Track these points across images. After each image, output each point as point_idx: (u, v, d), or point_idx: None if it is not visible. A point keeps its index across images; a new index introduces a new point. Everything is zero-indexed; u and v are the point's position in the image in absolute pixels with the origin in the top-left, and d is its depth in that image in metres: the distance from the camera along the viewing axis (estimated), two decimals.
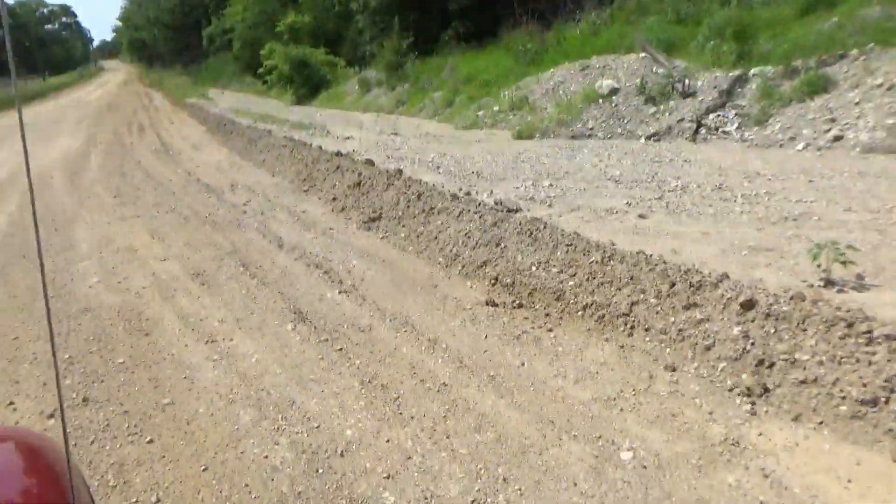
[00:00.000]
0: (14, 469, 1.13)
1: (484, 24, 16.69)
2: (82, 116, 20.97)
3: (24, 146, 1.07)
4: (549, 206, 5.72)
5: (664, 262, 3.80)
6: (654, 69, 9.84)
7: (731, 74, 8.98)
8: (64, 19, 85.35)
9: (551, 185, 6.48)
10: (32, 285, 4.96)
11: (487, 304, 4.14)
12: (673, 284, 3.53)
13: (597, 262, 4.02)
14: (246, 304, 4.37)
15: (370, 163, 7.95)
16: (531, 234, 4.61)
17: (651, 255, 3.93)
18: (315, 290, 4.56)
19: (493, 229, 4.92)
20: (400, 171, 7.23)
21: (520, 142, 9.70)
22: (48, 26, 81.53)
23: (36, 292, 4.77)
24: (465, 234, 5.10)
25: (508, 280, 4.36)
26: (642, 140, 8.80)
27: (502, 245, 4.71)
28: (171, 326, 4.09)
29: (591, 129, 9.48)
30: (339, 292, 4.48)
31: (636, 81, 9.67)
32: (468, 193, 6.21)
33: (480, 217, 5.14)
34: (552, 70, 11.76)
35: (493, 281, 4.45)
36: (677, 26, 12.24)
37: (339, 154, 8.52)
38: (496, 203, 5.79)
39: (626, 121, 9.27)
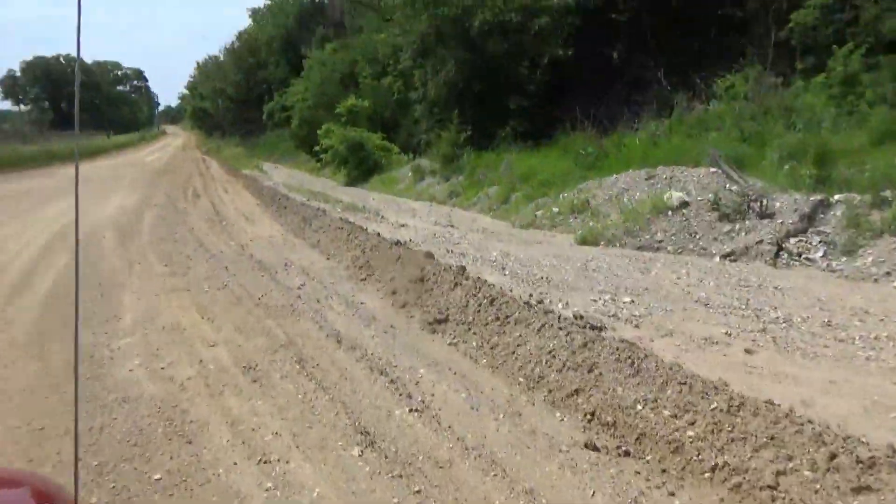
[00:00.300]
0: None
1: (541, 124, 16.59)
2: (140, 176, 21.15)
3: (77, 214, 1.18)
4: (636, 326, 5.10)
5: (810, 423, 3.11)
6: (726, 185, 9.34)
7: (812, 199, 8.42)
8: (135, 82, 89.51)
9: (632, 301, 5.86)
10: (69, 361, 4.41)
11: (587, 446, 3.45)
12: (833, 456, 2.83)
13: (721, 409, 3.34)
14: (304, 414, 3.74)
15: (430, 255, 7.45)
16: (632, 362, 3.96)
17: (792, 412, 3.24)
18: (381, 404, 3.93)
19: (584, 351, 4.28)
20: (464, 269, 6.70)
21: (583, 248, 9.15)
22: (120, 87, 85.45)
23: (72, 370, 4.21)
24: (549, 352, 4.46)
25: (608, 417, 3.68)
26: (717, 258, 8.17)
27: (596, 372, 4.06)
28: (219, 434, 3.46)
29: (660, 241, 8.91)
30: (410, 410, 3.84)
31: (708, 196, 9.15)
32: (540, 301, 5.63)
33: (567, 335, 4.51)
34: (615, 176, 11.35)
35: (588, 416, 3.78)
36: (741, 144, 11.86)
37: (398, 243, 8.05)
38: (575, 317, 5.19)
39: (697, 236, 8.69)
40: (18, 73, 76.57)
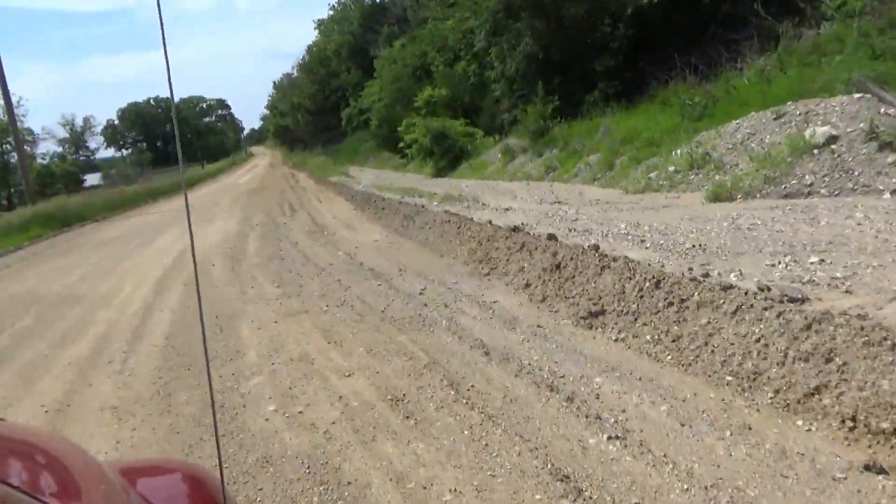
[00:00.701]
0: (181, 498, 1.12)
1: (631, 82, 15.29)
2: (236, 199, 21.26)
3: (192, 251, 1.16)
4: (848, 292, 4.00)
5: None
6: (881, 110, 7.91)
7: None
8: (220, 111, 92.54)
9: (822, 260, 4.75)
10: (199, 414, 3.84)
11: (870, 469, 2.51)
12: None
13: None
14: (479, 457, 2.97)
15: (552, 238, 6.59)
16: (893, 345, 2.95)
17: None
18: (568, 433, 3.10)
19: (810, 335, 3.30)
20: (597, 247, 5.79)
21: (719, 205, 7.99)
22: (206, 119, 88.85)
23: (205, 426, 3.63)
24: (758, 340, 3.51)
25: (882, 423, 2.70)
26: (886, 195, 6.86)
27: (838, 361, 3.08)
28: (385, 499, 2.74)
29: (810, 185, 7.62)
30: (608, 438, 2.99)
31: (860, 126, 7.77)
32: (706, 275, 4.63)
33: (779, 317, 3.54)
34: (735, 122, 10.01)
35: (847, 422, 2.82)
36: (875, 63, 10.24)
37: (516, 230, 7.21)
38: (760, 289, 4.18)
39: (856, 173, 7.36)
40: (116, 122, 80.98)
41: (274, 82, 60.11)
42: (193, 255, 1.17)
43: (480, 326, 4.92)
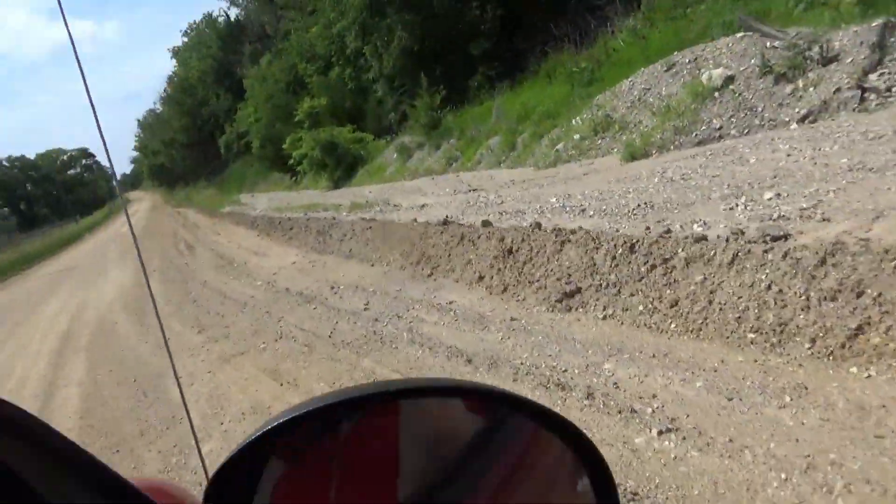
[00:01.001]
0: None
1: (511, 60, 15.14)
2: (124, 249, 19.43)
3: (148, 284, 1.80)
4: (824, 219, 3.77)
5: None
6: (767, 45, 7.99)
7: (873, 25, 7.11)
8: (84, 161, 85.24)
9: (778, 195, 4.54)
10: None
11: None
12: None
13: None
14: None
15: (487, 224, 6.16)
16: None
17: None
18: (608, 435, 2.60)
19: (829, 271, 2.97)
20: (539, 225, 5.41)
21: (637, 163, 7.81)
22: (71, 171, 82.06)
23: None
24: (769, 288, 3.15)
25: None
26: (794, 125, 6.88)
27: (870, 293, 2.76)
28: None
29: (720, 128, 7.58)
30: (658, 433, 2.52)
31: (752, 62, 7.83)
32: (668, 231, 4.31)
33: (786, 257, 3.20)
34: (628, 80, 9.95)
35: None
36: (738, 4, 10.51)
37: (447, 222, 6.70)
38: (734, 233, 3.88)
39: (760, 109, 7.37)
40: None
41: (138, 120, 56.32)
42: (150, 290, 1.33)
43: (448, 332, 4.35)
